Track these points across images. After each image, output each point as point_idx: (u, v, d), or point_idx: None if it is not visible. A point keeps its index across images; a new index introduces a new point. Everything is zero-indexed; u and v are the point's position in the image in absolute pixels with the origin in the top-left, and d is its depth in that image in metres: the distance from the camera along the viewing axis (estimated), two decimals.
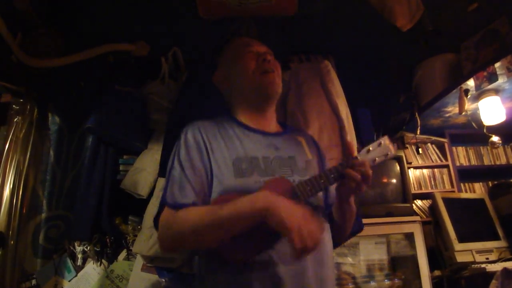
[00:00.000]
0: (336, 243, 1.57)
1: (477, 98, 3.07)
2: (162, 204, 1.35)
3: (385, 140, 1.39)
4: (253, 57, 1.56)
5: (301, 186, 1.32)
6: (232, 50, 1.63)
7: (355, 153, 1.35)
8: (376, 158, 1.37)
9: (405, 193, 3.08)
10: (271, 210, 1.14)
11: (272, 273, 1.24)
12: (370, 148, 1.38)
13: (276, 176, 1.39)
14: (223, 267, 1.28)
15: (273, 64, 1.56)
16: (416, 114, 3.17)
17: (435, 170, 3.77)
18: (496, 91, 2.99)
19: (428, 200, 3.49)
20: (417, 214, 3.36)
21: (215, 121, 1.54)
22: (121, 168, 2.47)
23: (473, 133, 3.56)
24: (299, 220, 1.12)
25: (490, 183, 3.87)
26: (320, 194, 1.49)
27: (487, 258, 2.90)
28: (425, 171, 3.77)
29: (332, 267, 1.45)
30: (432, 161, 3.79)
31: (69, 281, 2.28)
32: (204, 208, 1.29)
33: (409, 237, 2.87)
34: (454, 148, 3.90)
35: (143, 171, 2.35)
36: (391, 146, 1.39)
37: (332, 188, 1.54)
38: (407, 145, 3.62)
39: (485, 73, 2.77)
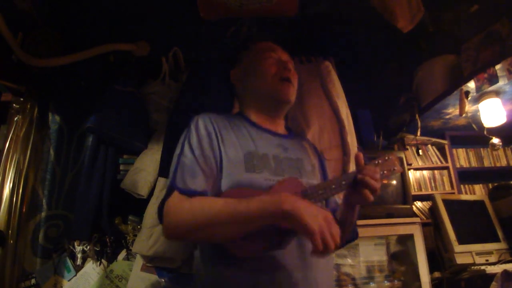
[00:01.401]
0: None
1: (477, 100, 3.07)
2: (171, 188, 1.29)
3: (392, 156, 1.41)
4: (275, 62, 1.58)
5: (313, 189, 1.32)
6: (256, 51, 1.65)
7: (363, 164, 1.34)
8: (384, 172, 1.38)
9: (405, 194, 3.08)
10: (294, 212, 1.12)
11: (275, 274, 1.24)
12: (379, 161, 1.39)
13: (285, 176, 1.38)
14: (225, 264, 1.26)
15: (293, 74, 1.59)
16: (417, 115, 3.17)
17: (435, 171, 3.77)
18: (497, 93, 2.99)
19: (428, 202, 3.49)
20: (417, 216, 3.35)
21: (225, 116, 1.54)
22: (121, 168, 2.47)
23: (473, 135, 3.56)
24: (322, 223, 1.11)
25: (490, 185, 3.87)
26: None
27: (487, 260, 2.89)
28: (425, 172, 3.76)
29: (333, 272, 1.45)
30: (432, 163, 3.79)
31: (68, 280, 2.28)
32: (222, 201, 1.25)
33: (409, 238, 2.87)
34: (454, 150, 3.90)
35: (143, 171, 2.35)
36: (397, 162, 1.41)
37: (337, 199, 1.57)
38: (407, 147, 3.63)
39: (485, 75, 2.77)
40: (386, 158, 1.39)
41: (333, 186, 1.31)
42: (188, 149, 1.36)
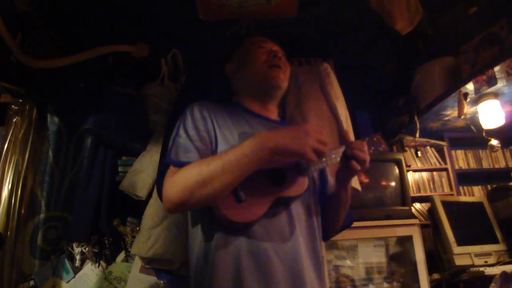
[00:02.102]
0: (328, 235, 1.62)
1: (476, 101, 3.07)
2: (166, 164, 1.34)
3: (378, 136, 1.47)
4: (265, 52, 1.63)
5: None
6: (246, 45, 1.70)
7: (351, 140, 1.40)
8: (372, 148, 1.43)
9: (404, 196, 3.08)
10: (279, 147, 1.22)
11: (265, 245, 1.28)
12: (366, 139, 1.43)
13: None
14: (223, 231, 1.29)
15: (283, 62, 1.63)
16: (415, 117, 3.17)
17: (434, 173, 3.77)
18: (495, 95, 2.99)
19: (427, 203, 3.49)
20: (416, 217, 3.34)
21: (221, 104, 1.59)
22: (120, 169, 2.47)
23: (472, 137, 3.56)
24: (306, 139, 1.22)
25: (489, 187, 3.87)
26: (317, 181, 1.56)
27: (485, 262, 2.89)
28: (424, 174, 3.76)
29: (321, 247, 1.48)
30: (431, 164, 3.79)
31: (67, 282, 2.28)
32: (209, 157, 1.30)
33: (408, 240, 2.87)
34: (453, 152, 3.90)
35: (142, 173, 2.34)
36: (383, 141, 1.47)
37: (330, 177, 1.63)
38: (406, 148, 3.62)
39: (484, 77, 2.77)
40: (374, 138, 1.46)
41: (324, 159, 1.34)
42: (183, 131, 1.41)
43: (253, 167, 1.23)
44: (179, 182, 1.25)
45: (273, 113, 1.67)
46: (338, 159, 1.36)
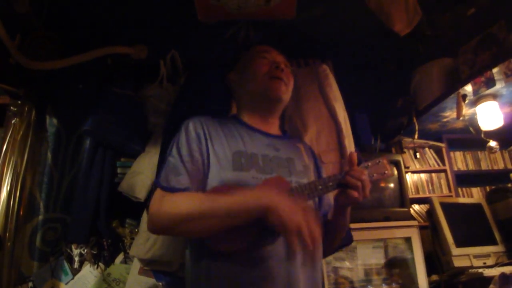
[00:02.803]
0: (325, 254, 1.58)
1: (474, 103, 3.08)
2: (154, 186, 1.35)
3: (383, 160, 1.43)
4: (267, 63, 1.60)
5: (299, 189, 1.34)
6: (249, 55, 1.67)
7: (356, 164, 1.36)
8: (374, 175, 1.40)
9: (402, 197, 3.08)
10: (272, 207, 1.15)
11: (261, 268, 1.25)
12: (369, 164, 1.41)
13: (274, 175, 1.40)
14: (212, 258, 1.27)
15: (285, 74, 1.59)
16: (414, 118, 3.18)
17: (433, 174, 3.78)
18: (494, 96, 2.99)
19: (426, 205, 3.50)
20: (414, 219, 3.35)
21: (217, 119, 1.57)
22: (118, 171, 2.47)
23: (470, 138, 3.56)
24: (300, 221, 1.12)
25: (487, 188, 3.88)
26: (316, 201, 1.52)
27: (484, 263, 2.90)
28: (423, 175, 3.77)
29: (320, 272, 1.46)
30: (430, 166, 3.80)
31: (66, 284, 2.27)
32: (202, 195, 1.30)
33: (407, 241, 2.87)
34: (451, 153, 3.91)
35: (141, 174, 2.34)
36: (388, 166, 1.43)
37: (327, 198, 1.59)
38: (405, 150, 3.63)
39: (482, 78, 2.78)
40: (377, 161, 1.42)
41: (320, 187, 1.33)
42: (176, 150, 1.40)
43: (243, 220, 1.20)
44: (166, 211, 1.26)
45: (274, 127, 1.64)
46: (335, 187, 1.34)
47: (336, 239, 1.56)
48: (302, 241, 1.10)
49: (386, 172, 1.41)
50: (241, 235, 1.23)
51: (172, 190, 1.29)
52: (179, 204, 1.24)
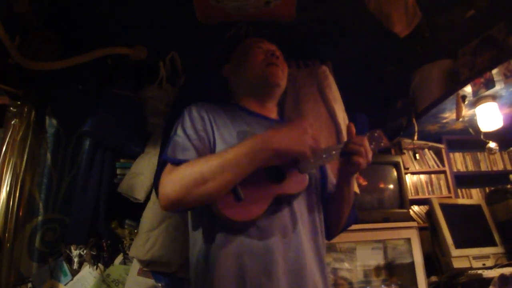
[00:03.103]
0: (332, 233, 1.62)
1: (474, 104, 3.08)
2: (163, 161, 1.34)
3: (379, 131, 1.47)
4: (262, 52, 1.65)
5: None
6: (244, 46, 1.72)
7: (354, 134, 1.39)
8: (373, 144, 1.42)
9: (402, 198, 3.08)
10: (283, 148, 1.24)
11: (267, 242, 1.27)
12: (367, 134, 1.43)
13: None
14: (225, 230, 1.28)
15: (280, 61, 1.65)
16: (414, 119, 3.18)
17: (432, 175, 3.78)
18: (493, 97, 3.00)
19: (425, 206, 3.49)
20: (414, 220, 3.35)
21: (218, 104, 1.59)
22: (118, 172, 2.47)
23: (470, 139, 3.56)
24: (306, 139, 1.25)
25: (487, 189, 3.88)
26: (318, 178, 1.55)
27: (483, 264, 2.90)
28: (422, 176, 3.77)
29: (324, 245, 1.48)
30: (429, 167, 3.80)
31: (65, 284, 2.27)
32: (210, 155, 1.32)
33: (406, 242, 2.87)
34: (451, 154, 3.91)
35: (140, 175, 2.34)
36: (384, 137, 1.47)
37: (331, 177, 1.63)
38: (404, 151, 3.63)
39: (482, 80, 2.78)
40: (374, 133, 1.46)
41: (324, 155, 1.35)
42: (181, 130, 1.41)
43: (253, 167, 1.23)
44: (177, 179, 1.25)
45: (272, 112, 1.68)
46: (338, 155, 1.36)
47: (343, 214, 1.57)
48: (313, 149, 1.25)
49: (384, 141, 1.46)
50: (256, 203, 1.27)
51: (180, 162, 1.29)
52: (189, 169, 1.24)
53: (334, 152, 1.36)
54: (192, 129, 1.40)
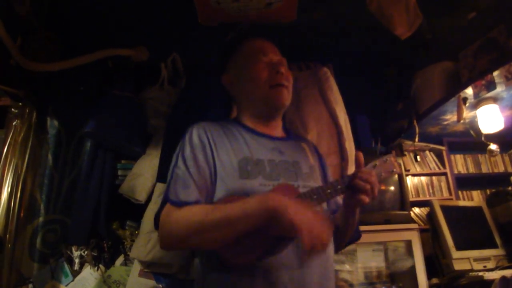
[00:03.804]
0: (335, 249, 1.57)
1: (475, 106, 3.08)
2: (164, 201, 1.33)
3: (391, 157, 1.41)
4: (266, 66, 1.53)
5: (308, 194, 1.32)
6: (245, 54, 1.60)
7: (363, 165, 1.35)
8: (382, 173, 1.39)
9: (403, 200, 3.08)
10: (280, 209, 1.13)
11: (274, 278, 1.24)
12: (377, 163, 1.39)
13: (281, 180, 1.38)
14: (223, 270, 1.26)
15: (286, 77, 1.54)
16: (415, 121, 3.18)
17: (433, 177, 3.78)
18: (495, 99, 2.99)
19: (426, 208, 3.49)
20: (415, 222, 3.35)
21: (220, 123, 1.54)
22: (119, 173, 2.48)
23: (471, 141, 3.57)
24: (309, 220, 1.12)
25: (488, 191, 3.88)
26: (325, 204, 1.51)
27: (484, 266, 2.89)
28: (423, 178, 3.77)
29: (333, 271, 1.45)
30: (430, 169, 3.80)
31: (66, 285, 2.27)
32: (210, 206, 1.28)
33: (407, 244, 2.87)
34: (452, 156, 3.91)
35: (141, 176, 2.35)
36: (396, 164, 1.41)
37: (340, 201, 1.56)
38: (405, 153, 3.63)
39: (483, 82, 2.78)
40: (385, 159, 1.40)
41: (328, 191, 1.32)
42: (181, 161, 1.38)
43: (250, 225, 1.19)
44: (177, 225, 1.25)
45: (277, 129, 1.61)
46: (344, 189, 1.32)
47: (347, 234, 1.54)
48: (312, 240, 1.09)
49: (394, 169, 1.40)
50: (252, 247, 1.22)
51: (182, 204, 1.28)
52: (190, 216, 1.24)
53: (339, 187, 1.32)
54: (192, 160, 1.37)
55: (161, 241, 1.29)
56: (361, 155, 1.34)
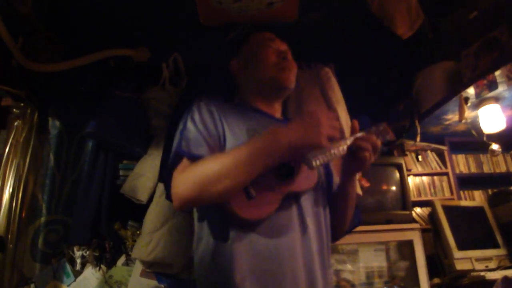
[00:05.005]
0: (338, 235, 1.62)
1: (477, 106, 3.08)
2: (176, 155, 1.35)
3: (384, 124, 1.47)
4: (274, 52, 1.65)
5: (312, 155, 1.34)
6: (255, 42, 1.71)
7: (358, 131, 1.39)
8: (379, 137, 1.42)
9: (404, 200, 3.08)
10: (297, 142, 1.22)
11: (278, 241, 1.28)
12: (373, 129, 1.44)
13: None
14: (237, 228, 1.28)
15: (291, 63, 1.66)
16: (416, 121, 3.17)
17: (435, 177, 3.78)
18: (496, 99, 2.99)
19: (428, 208, 3.49)
20: (416, 222, 3.36)
21: (225, 101, 1.62)
22: (120, 173, 2.47)
23: (473, 141, 3.57)
24: (320, 129, 1.22)
25: (489, 191, 3.88)
26: (323, 177, 1.55)
27: (486, 266, 2.90)
28: (425, 178, 3.77)
29: (328, 246, 1.49)
30: (432, 169, 3.80)
31: (67, 286, 2.27)
32: (221, 154, 1.31)
33: (409, 244, 2.87)
34: (454, 156, 3.91)
35: (143, 177, 2.34)
36: (390, 130, 1.47)
37: (336, 177, 1.63)
38: (407, 152, 3.63)
39: (485, 81, 2.78)
40: (381, 127, 1.46)
41: (332, 151, 1.33)
42: (192, 124, 1.40)
43: (267, 164, 1.23)
44: (191, 178, 1.25)
45: (278, 112, 1.69)
46: (346, 149, 1.35)
47: (348, 213, 1.57)
48: (330, 134, 1.23)
49: (389, 135, 1.46)
50: (267, 201, 1.27)
51: (195, 157, 1.29)
52: (203, 167, 1.25)
53: (342, 147, 1.34)
54: (202, 124, 1.40)
55: (175, 200, 1.27)
56: (356, 123, 1.40)
